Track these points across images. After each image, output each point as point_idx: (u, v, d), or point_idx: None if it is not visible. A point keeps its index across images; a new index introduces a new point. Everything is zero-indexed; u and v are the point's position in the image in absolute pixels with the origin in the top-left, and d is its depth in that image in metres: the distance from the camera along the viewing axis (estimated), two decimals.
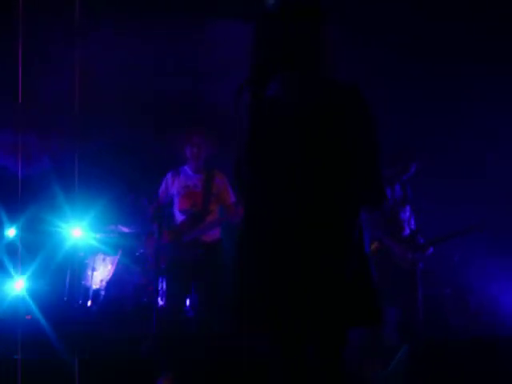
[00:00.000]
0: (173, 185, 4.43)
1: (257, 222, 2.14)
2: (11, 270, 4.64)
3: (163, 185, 4.50)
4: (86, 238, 5.05)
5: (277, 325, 2.09)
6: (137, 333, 4.42)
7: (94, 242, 5.03)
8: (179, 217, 4.38)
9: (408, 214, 4.51)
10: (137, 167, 4.87)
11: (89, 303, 4.86)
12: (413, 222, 4.53)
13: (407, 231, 4.47)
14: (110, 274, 4.97)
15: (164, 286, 4.41)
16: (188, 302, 4.56)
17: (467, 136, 5.23)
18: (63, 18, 4.79)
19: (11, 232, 5.17)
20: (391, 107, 4.88)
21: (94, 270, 4.96)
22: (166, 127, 5.01)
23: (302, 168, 2.06)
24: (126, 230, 5.02)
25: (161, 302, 4.45)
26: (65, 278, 4.95)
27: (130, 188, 4.99)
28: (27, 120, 4.93)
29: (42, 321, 4.23)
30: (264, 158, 2.12)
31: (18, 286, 4.62)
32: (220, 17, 5.12)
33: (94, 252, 5.03)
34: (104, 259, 5.01)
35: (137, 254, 4.95)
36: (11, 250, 4.92)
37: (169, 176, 4.49)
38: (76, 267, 5.01)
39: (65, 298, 4.84)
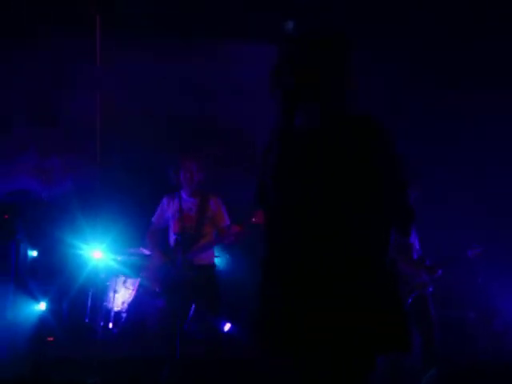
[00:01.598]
0: (168, 209, 4.52)
1: (281, 247, 2.13)
2: (34, 292, 4.66)
3: (159, 209, 4.59)
4: (107, 260, 5.07)
5: (303, 349, 2.07)
6: (158, 356, 4.42)
7: (115, 265, 5.05)
8: (173, 240, 4.43)
9: (413, 236, 4.49)
10: (158, 189, 4.88)
11: (110, 325, 4.86)
12: (418, 244, 4.51)
13: (415, 255, 4.45)
14: (132, 297, 4.97)
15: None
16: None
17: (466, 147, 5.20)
18: (86, 43, 4.87)
19: (34, 254, 5.22)
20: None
21: (115, 292, 4.97)
22: (186, 149, 5.05)
23: (325, 196, 2.06)
24: (147, 252, 5.03)
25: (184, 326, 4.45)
26: (86, 299, 4.97)
27: (151, 210, 5.01)
28: (50, 144, 5.01)
29: (65, 342, 4.25)
30: (288, 186, 2.12)
31: (41, 307, 4.64)
32: (237, 38, 5.18)
33: (115, 274, 5.04)
34: (125, 281, 5.02)
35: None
36: (34, 271, 4.95)
37: (164, 200, 4.57)
38: (97, 289, 5.02)
39: (86, 320, 4.85)
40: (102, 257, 5.07)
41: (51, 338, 4.54)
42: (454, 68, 5.19)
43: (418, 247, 4.48)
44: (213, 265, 4.49)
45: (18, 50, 4.85)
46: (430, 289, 4.38)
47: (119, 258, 5.07)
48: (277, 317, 2.08)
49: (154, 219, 4.58)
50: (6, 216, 5.01)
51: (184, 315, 4.32)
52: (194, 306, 4.36)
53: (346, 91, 2.13)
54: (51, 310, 4.68)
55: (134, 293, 4.98)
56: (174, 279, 4.23)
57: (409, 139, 4.97)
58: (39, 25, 4.49)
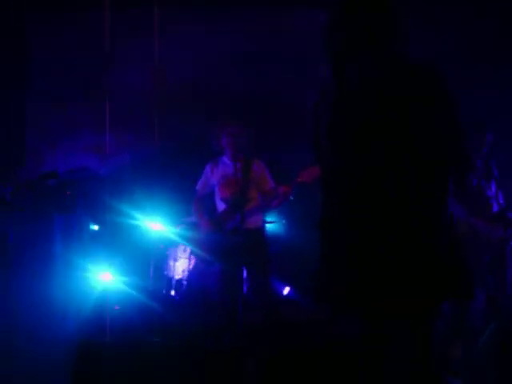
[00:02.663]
0: (212, 175, 4.54)
1: (338, 203, 2.13)
2: (99, 263, 4.82)
3: (202, 177, 4.61)
4: (165, 230, 5.19)
5: (367, 302, 2.08)
6: (220, 322, 4.51)
7: (173, 235, 5.17)
8: (221, 205, 4.47)
9: (494, 189, 4.34)
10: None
11: (172, 293, 4.99)
12: (501, 198, 4.36)
13: (496, 207, 4.30)
14: (192, 265, 5.09)
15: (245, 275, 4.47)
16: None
17: None
18: (139, 16, 4.92)
19: (95, 228, 5.39)
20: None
21: (175, 260, 5.09)
22: (239, 120, 5.08)
23: (383, 146, 2.05)
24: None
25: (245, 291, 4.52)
26: (148, 269, 5.11)
27: None
28: (106, 120, 5.12)
29: (130, 310, 4.40)
30: (344, 140, 2.12)
31: (106, 278, 4.80)
32: (287, 7, 5.14)
33: (174, 243, 5.16)
34: (185, 250, 5.13)
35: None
36: (97, 244, 5.12)
37: (208, 168, 4.59)
38: (158, 259, 5.15)
39: (149, 289, 4.99)
40: (161, 228, 5.19)
41: (117, 307, 4.70)
42: None
43: (501, 200, 4.33)
44: (261, 228, 4.48)
45: (70, 24, 4.96)
46: None
47: (178, 228, 5.18)
48: (339, 274, 2.10)
49: (198, 187, 4.61)
50: (68, 192, 5.18)
51: (239, 281, 4.38)
52: (245, 270, 4.39)
53: (399, 39, 2.12)
54: (116, 279, 4.83)
55: (193, 261, 5.09)
56: (223, 246, 4.28)
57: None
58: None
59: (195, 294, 4.97)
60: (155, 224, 5.23)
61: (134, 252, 5.11)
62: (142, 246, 5.21)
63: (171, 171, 5.49)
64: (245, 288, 4.50)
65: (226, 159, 4.54)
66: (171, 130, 5.56)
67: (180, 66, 5.34)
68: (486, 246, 4.19)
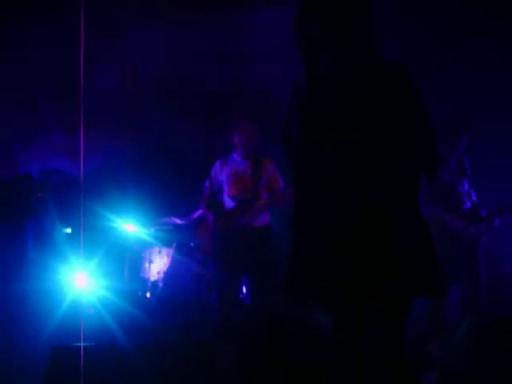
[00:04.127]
0: (221, 172, 4.46)
1: (309, 196, 2.14)
2: (73, 266, 4.77)
3: (212, 173, 4.53)
4: (140, 231, 5.16)
5: (337, 295, 2.09)
6: (196, 322, 4.50)
7: (148, 236, 5.13)
8: (229, 203, 4.41)
9: (466, 187, 4.40)
10: (189, 159, 4.93)
11: (147, 295, 4.96)
12: (473, 195, 4.42)
13: (468, 204, 4.36)
14: (167, 266, 5.06)
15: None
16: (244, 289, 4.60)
17: None
18: (109, 15, 4.88)
19: (69, 230, 5.33)
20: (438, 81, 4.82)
21: (150, 262, 5.06)
22: (214, 117, 5.06)
23: (354, 143, 2.06)
24: (179, 221, 5.10)
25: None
26: (123, 271, 5.07)
27: (180, 181, 5.07)
28: (77, 121, 5.06)
29: (104, 313, 4.35)
30: (315, 133, 2.12)
31: (80, 280, 4.75)
32: (261, 2, 5.14)
33: (149, 245, 5.13)
34: (160, 251, 5.10)
35: (191, 244, 5.03)
36: (71, 247, 5.06)
37: (217, 164, 4.53)
38: (133, 261, 5.11)
39: (124, 291, 4.95)
40: (135, 229, 5.16)
41: (91, 310, 4.65)
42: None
43: (473, 197, 4.40)
44: (268, 226, 4.42)
45: (42, 24, 4.89)
46: (484, 239, 4.31)
47: (152, 229, 5.15)
48: (309, 265, 2.10)
49: (206, 184, 4.54)
50: (40, 194, 5.11)
51: (238, 281, 4.37)
52: (247, 270, 4.34)
53: (371, 39, 2.12)
54: (90, 282, 4.78)
55: (168, 262, 5.06)
56: (230, 244, 4.25)
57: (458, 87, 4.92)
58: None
59: (171, 296, 4.94)
60: (130, 226, 5.19)
61: (108, 254, 5.07)
62: (116, 248, 5.17)
63: (146, 172, 5.45)
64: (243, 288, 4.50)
65: (236, 156, 4.48)
66: (145, 130, 5.52)
67: (153, 64, 5.30)
68: (459, 242, 4.23)
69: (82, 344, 3.22)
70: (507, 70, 5.06)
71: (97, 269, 4.90)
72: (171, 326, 4.37)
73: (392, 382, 2.06)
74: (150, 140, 5.52)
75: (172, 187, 5.01)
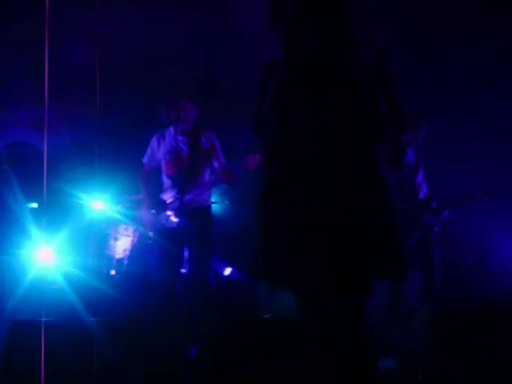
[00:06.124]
0: (158, 149, 4.38)
1: (279, 173, 2.17)
2: (37, 241, 4.72)
3: (149, 150, 4.44)
4: (106, 208, 5.12)
5: (300, 277, 2.12)
6: (159, 301, 4.50)
7: (114, 213, 5.10)
8: (166, 182, 4.34)
9: (421, 178, 4.54)
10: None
11: (112, 272, 4.94)
12: (425, 187, 4.56)
13: (421, 195, 4.50)
14: (132, 244, 5.05)
15: (186, 254, 4.45)
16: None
17: (479, 95, 5.19)
18: None
19: (34, 205, 5.26)
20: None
21: (116, 239, 5.04)
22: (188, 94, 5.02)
23: (322, 117, 2.09)
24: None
25: (183, 270, 4.51)
26: (88, 248, 5.04)
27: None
28: (47, 95, 4.98)
29: (67, 289, 4.33)
30: (290, 111, 2.15)
31: (44, 255, 4.70)
32: None
33: (115, 222, 5.10)
34: (126, 229, 5.08)
35: None
36: (36, 222, 5.00)
37: (154, 139, 4.43)
38: (99, 238, 5.08)
39: (89, 268, 4.92)
40: (102, 206, 5.12)
41: (55, 286, 4.62)
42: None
43: (425, 189, 4.54)
44: (208, 206, 4.39)
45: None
46: (436, 229, 4.46)
47: (119, 207, 5.12)
48: (275, 248, 2.13)
49: (144, 160, 4.46)
50: (5, 167, 5.03)
51: (179, 260, 4.33)
52: (188, 249, 4.35)
53: (350, 23, 2.15)
54: (54, 258, 4.74)
55: (135, 240, 5.04)
56: (167, 225, 4.21)
57: (420, 83, 4.99)
58: None
59: (136, 274, 4.94)
60: (97, 202, 5.14)
61: (74, 231, 5.02)
62: (82, 225, 5.12)
63: (115, 148, 5.40)
64: (185, 267, 4.49)
65: (172, 131, 4.39)
66: (116, 107, 5.46)
67: (127, 41, 5.23)
68: (415, 229, 4.35)
69: (44, 319, 3.20)
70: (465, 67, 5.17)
71: (61, 245, 4.85)
72: (134, 307, 4.37)
73: (355, 364, 2.11)
74: (119, 117, 5.46)
75: (141, 164, 4.97)
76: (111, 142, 5.42)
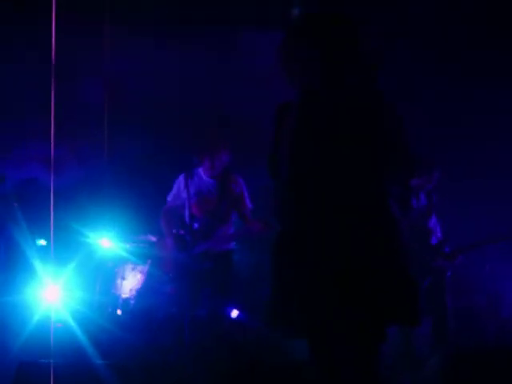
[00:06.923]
0: (185, 188, 4.31)
1: (292, 221, 2.15)
2: (43, 279, 4.69)
3: (175, 188, 4.41)
4: (115, 247, 5.10)
5: (316, 327, 2.09)
6: (166, 341, 4.45)
7: (123, 252, 5.07)
8: (191, 223, 4.29)
9: (434, 222, 4.52)
10: (166, 176, 4.90)
11: (118, 312, 4.89)
12: (439, 231, 4.54)
13: (434, 240, 4.48)
14: (140, 284, 5.01)
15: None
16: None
17: (491, 135, 5.20)
18: (93, 29, 4.88)
19: (42, 242, 5.24)
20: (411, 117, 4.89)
21: (123, 279, 5.00)
22: (193, 136, 5.06)
23: (334, 164, 2.09)
24: (154, 239, 5.05)
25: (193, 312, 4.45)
26: (95, 287, 5.00)
27: (159, 198, 5.03)
28: (58, 132, 5.02)
29: (73, 328, 4.28)
30: (305, 159, 2.15)
31: (50, 294, 4.66)
32: (247, 26, 5.18)
33: (123, 261, 5.07)
34: (133, 268, 5.05)
35: None
36: (42, 259, 4.98)
37: (181, 179, 4.38)
38: (106, 276, 5.05)
39: (95, 307, 4.88)
40: (110, 245, 5.09)
41: (60, 324, 4.57)
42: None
43: (438, 233, 4.51)
44: (231, 250, 4.33)
45: (22, 38, 4.89)
46: (449, 273, 4.42)
47: (127, 246, 5.09)
48: (290, 297, 2.10)
49: (169, 198, 4.42)
50: (16, 204, 5.03)
51: (194, 303, 4.28)
52: (204, 291, 4.30)
53: (361, 66, 2.16)
54: (60, 296, 4.70)
55: (142, 280, 5.00)
56: (188, 267, 4.15)
57: (426, 126, 5.02)
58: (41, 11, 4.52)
59: (142, 314, 4.88)
60: (105, 241, 5.12)
61: (81, 269, 4.99)
62: (89, 263, 5.09)
63: (124, 188, 5.40)
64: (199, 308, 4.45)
65: (201, 173, 4.38)
66: (126, 146, 5.49)
67: (134, 79, 5.30)
68: (424, 273, 4.32)
69: (52, 361, 3.15)
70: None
71: (68, 283, 4.82)
72: (142, 345, 4.31)
73: None
74: (130, 156, 5.49)
75: (150, 204, 4.97)
76: (120, 180, 5.44)
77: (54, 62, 4.17)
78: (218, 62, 5.36)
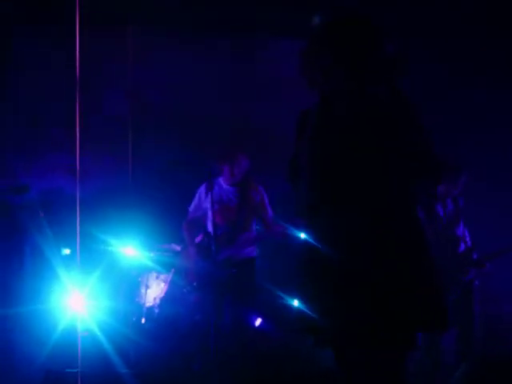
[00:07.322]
0: (206, 198, 4.38)
1: (315, 232, 2.15)
2: (68, 288, 4.73)
3: (196, 198, 4.49)
4: (139, 256, 5.12)
5: (341, 333, 2.08)
6: (191, 350, 4.45)
7: (147, 261, 5.10)
8: (213, 231, 4.33)
9: (461, 229, 4.44)
10: (189, 185, 4.93)
11: (143, 321, 4.91)
12: (468, 238, 4.45)
13: (462, 247, 4.40)
14: (164, 292, 5.02)
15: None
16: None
17: None
18: (117, 40, 4.94)
19: (67, 251, 5.29)
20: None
21: (147, 287, 5.02)
22: (215, 145, 5.09)
23: (362, 179, 2.08)
24: (178, 248, 5.07)
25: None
26: (119, 296, 5.02)
27: (182, 207, 5.05)
28: (82, 141, 5.08)
29: (98, 337, 4.31)
30: (324, 167, 2.14)
31: (75, 303, 4.70)
32: (270, 35, 5.20)
33: (147, 270, 5.10)
34: (157, 277, 5.07)
35: None
36: (67, 268, 5.02)
37: (202, 189, 4.46)
38: (129, 285, 5.07)
39: (119, 316, 4.90)
40: (134, 253, 5.13)
41: (86, 333, 4.60)
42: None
43: (467, 239, 4.43)
44: (253, 258, 4.37)
45: (51, 48, 4.96)
46: (477, 282, 4.34)
47: (151, 255, 5.12)
48: (316, 304, 2.10)
49: (190, 209, 4.50)
50: (42, 214, 5.08)
51: (218, 310, 4.31)
52: (228, 300, 4.32)
53: (384, 73, 2.16)
54: (85, 305, 4.74)
55: (166, 289, 5.02)
56: (211, 276, 4.19)
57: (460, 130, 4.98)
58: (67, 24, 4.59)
59: (166, 322, 4.89)
60: (129, 249, 5.16)
61: (105, 277, 5.02)
62: (113, 272, 5.13)
63: (147, 196, 5.44)
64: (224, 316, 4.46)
65: (222, 182, 4.44)
66: (149, 155, 5.54)
67: (156, 90, 5.35)
68: (453, 283, 4.25)
69: (79, 370, 3.17)
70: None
71: (92, 292, 4.85)
72: (166, 354, 4.33)
73: None
74: (153, 165, 5.53)
75: (173, 213, 4.99)
76: (144, 189, 5.48)
77: (78, 71, 4.23)
78: (240, 71, 5.39)
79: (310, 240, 2.15)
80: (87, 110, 4.95)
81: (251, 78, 5.41)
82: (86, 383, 3.13)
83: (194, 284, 4.40)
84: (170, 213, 5.11)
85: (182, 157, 5.42)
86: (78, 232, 4.59)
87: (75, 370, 3.09)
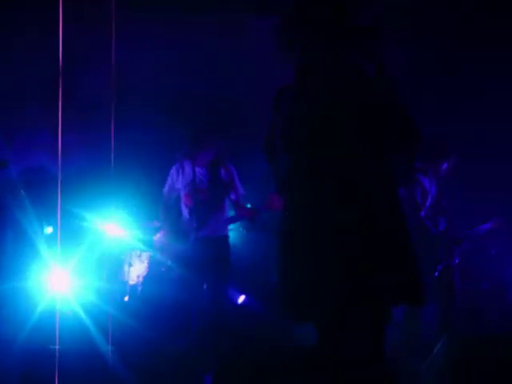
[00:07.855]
0: (177, 180, 4.44)
1: (298, 205, 2.16)
2: (51, 266, 4.72)
3: (169, 180, 4.52)
4: (121, 234, 5.12)
5: (324, 311, 2.11)
6: (173, 327, 4.48)
7: (130, 239, 5.10)
8: (185, 212, 4.38)
9: (441, 208, 4.50)
10: (171, 164, 4.91)
11: (126, 298, 4.92)
12: (446, 217, 4.51)
13: (442, 226, 4.46)
14: (147, 270, 5.04)
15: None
16: None
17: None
18: (99, 16, 4.88)
19: (49, 230, 5.27)
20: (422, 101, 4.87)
21: (130, 265, 5.03)
22: (198, 124, 5.06)
23: (340, 151, 2.09)
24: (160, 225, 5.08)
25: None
26: (102, 274, 5.02)
27: (164, 184, 5.04)
28: (64, 121, 5.03)
29: (81, 315, 4.32)
30: (300, 139, 2.16)
31: (57, 281, 4.70)
32: (248, 13, 5.16)
33: (130, 248, 5.10)
34: (140, 255, 5.08)
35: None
36: (50, 246, 5.00)
37: (173, 171, 4.50)
38: (113, 263, 5.07)
39: (103, 294, 4.90)
40: (117, 231, 5.12)
41: (69, 311, 4.60)
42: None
43: (445, 218, 4.49)
44: (226, 236, 4.46)
45: (28, 24, 4.89)
46: (456, 260, 4.41)
47: (134, 232, 5.12)
48: (297, 284, 2.12)
49: (165, 190, 4.53)
50: (22, 192, 5.04)
51: (197, 289, 4.35)
52: (206, 278, 4.37)
53: (359, 39, 2.17)
54: (68, 283, 4.73)
55: (148, 266, 5.03)
56: (186, 255, 4.24)
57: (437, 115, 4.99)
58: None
59: (150, 300, 4.92)
60: (111, 228, 5.15)
61: (88, 256, 5.02)
62: (96, 250, 5.12)
63: (129, 175, 5.41)
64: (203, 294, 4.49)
65: (192, 163, 4.45)
66: (133, 133, 5.50)
67: (139, 68, 5.30)
68: (432, 261, 4.31)
69: (57, 347, 3.18)
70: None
71: (75, 270, 4.85)
72: (149, 331, 4.35)
73: None
74: (135, 144, 5.50)
75: (155, 191, 4.98)
76: (126, 168, 5.45)
77: (61, 48, 4.18)
78: (221, 50, 5.35)
79: (290, 212, 2.17)
80: (69, 86, 4.90)
81: (235, 57, 5.37)
82: (67, 360, 3.14)
83: (169, 263, 4.44)
84: (152, 191, 5.10)
85: (165, 135, 5.40)
86: (58, 209, 4.57)
87: (54, 347, 3.10)
